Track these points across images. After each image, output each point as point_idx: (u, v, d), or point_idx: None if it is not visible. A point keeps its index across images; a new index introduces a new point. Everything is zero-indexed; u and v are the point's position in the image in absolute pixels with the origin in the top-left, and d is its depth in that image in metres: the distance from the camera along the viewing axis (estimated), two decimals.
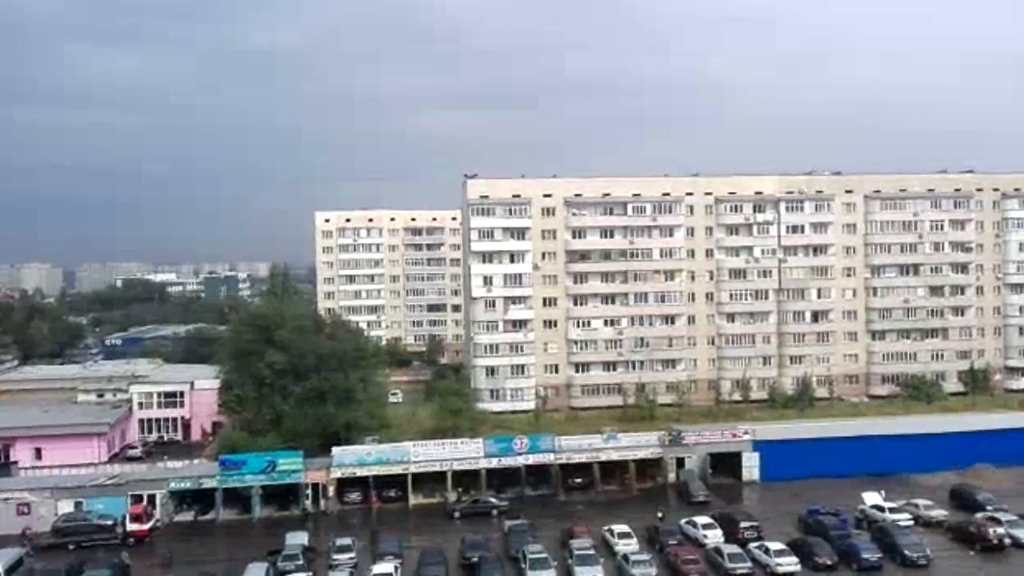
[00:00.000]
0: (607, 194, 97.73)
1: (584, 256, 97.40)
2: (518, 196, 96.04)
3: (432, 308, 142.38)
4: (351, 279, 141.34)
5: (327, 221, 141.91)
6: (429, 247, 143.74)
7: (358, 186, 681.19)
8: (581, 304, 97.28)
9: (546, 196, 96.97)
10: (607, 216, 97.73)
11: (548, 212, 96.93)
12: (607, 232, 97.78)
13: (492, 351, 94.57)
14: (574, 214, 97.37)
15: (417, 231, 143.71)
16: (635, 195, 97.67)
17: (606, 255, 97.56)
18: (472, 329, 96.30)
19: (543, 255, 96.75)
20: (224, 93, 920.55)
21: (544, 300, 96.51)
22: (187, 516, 61.17)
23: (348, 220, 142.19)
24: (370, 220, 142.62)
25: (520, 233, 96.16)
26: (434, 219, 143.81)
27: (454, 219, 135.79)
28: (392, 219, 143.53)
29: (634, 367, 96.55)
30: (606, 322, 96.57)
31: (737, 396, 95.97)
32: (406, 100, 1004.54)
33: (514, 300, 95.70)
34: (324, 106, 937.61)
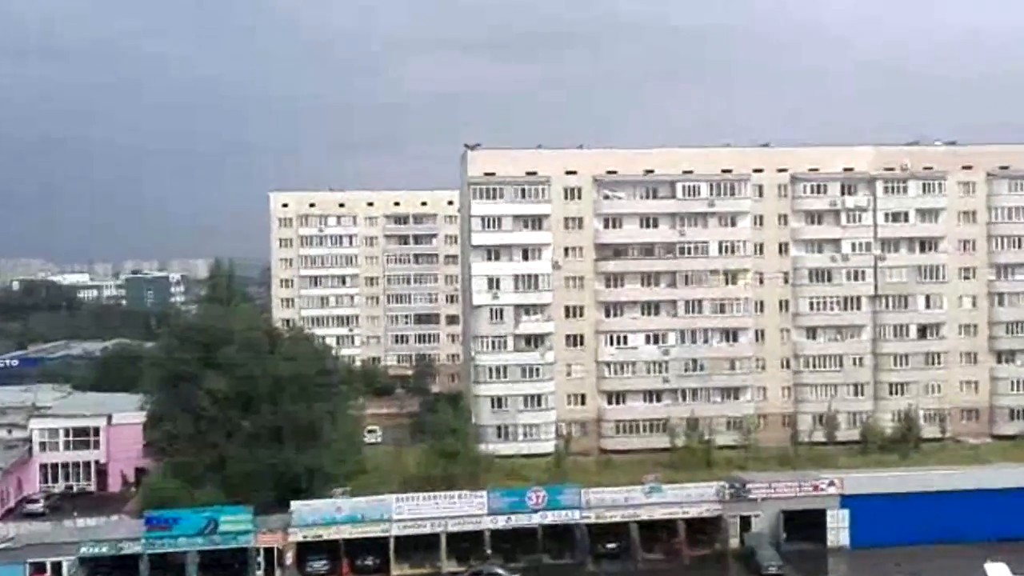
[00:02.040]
0: (650, 171, 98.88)
1: (619, 252, 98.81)
2: (533, 173, 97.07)
3: (421, 319, 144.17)
4: (316, 281, 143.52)
5: (285, 206, 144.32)
6: (417, 240, 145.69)
7: (326, 160, 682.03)
8: (615, 315, 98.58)
9: (570, 173, 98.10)
10: (649, 200, 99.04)
11: (572, 194, 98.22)
12: (649, 220, 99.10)
13: (499, 375, 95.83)
14: (607, 197, 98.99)
15: (402, 219, 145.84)
16: (686, 172, 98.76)
17: (648, 251, 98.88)
18: (473, 347, 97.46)
19: (566, 251, 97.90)
20: (147, 34, 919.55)
21: (567, 310, 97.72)
22: None
23: (312, 205, 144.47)
24: (341, 205, 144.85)
25: (536, 222, 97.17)
26: (424, 203, 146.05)
27: (450, 203, 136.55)
28: (370, 203, 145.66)
29: (685, 397, 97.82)
30: (648, 338, 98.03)
31: (820, 436, 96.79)
32: (390, 44, 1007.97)
33: (528, 309, 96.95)
34: (282, 53, 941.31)
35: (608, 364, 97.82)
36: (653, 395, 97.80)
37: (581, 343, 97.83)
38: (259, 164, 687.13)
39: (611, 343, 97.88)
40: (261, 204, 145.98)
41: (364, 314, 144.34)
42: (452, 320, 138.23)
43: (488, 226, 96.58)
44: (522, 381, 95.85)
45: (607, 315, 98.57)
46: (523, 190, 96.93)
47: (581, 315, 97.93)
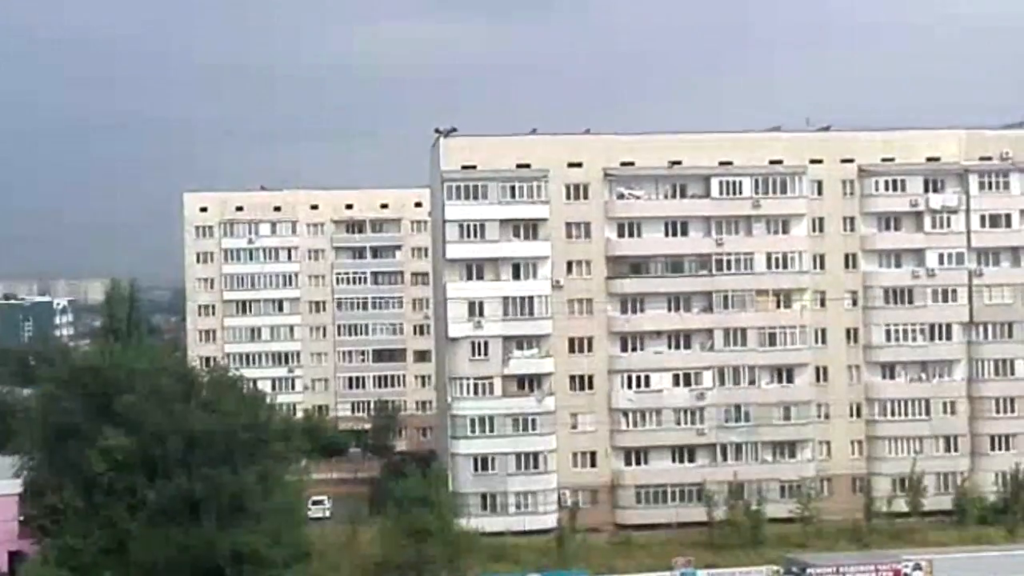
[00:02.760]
0: (676, 162, 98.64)
1: (638, 267, 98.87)
2: (526, 166, 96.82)
3: (381, 357, 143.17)
4: (244, 307, 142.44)
5: (203, 210, 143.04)
6: (376, 253, 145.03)
7: (257, 150, 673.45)
8: (634, 348, 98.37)
9: (574, 166, 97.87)
10: (677, 199, 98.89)
11: (577, 192, 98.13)
12: (677, 226, 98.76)
13: (484, 429, 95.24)
14: (621, 196, 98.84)
15: (356, 226, 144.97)
16: (724, 163, 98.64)
17: (675, 266, 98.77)
18: (449, 392, 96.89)
19: (569, 266, 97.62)
20: None
21: (571, 343, 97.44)
22: None
23: (239, 208, 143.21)
24: (277, 208, 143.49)
25: (530, 229, 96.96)
26: (384, 205, 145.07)
27: (418, 205, 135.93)
28: (314, 206, 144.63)
29: (725, 455, 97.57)
30: (677, 379, 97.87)
31: (901, 504, 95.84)
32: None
33: (520, 343, 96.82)
34: (199, 12, 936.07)
35: (625, 413, 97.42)
36: (684, 452, 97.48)
37: (590, 386, 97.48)
38: (171, 154, 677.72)
39: (629, 385, 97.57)
40: (172, 207, 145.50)
41: (308, 350, 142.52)
42: (421, 357, 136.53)
43: (468, 235, 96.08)
44: (514, 435, 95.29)
45: (623, 349, 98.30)
46: (513, 188, 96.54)
47: (589, 349, 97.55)
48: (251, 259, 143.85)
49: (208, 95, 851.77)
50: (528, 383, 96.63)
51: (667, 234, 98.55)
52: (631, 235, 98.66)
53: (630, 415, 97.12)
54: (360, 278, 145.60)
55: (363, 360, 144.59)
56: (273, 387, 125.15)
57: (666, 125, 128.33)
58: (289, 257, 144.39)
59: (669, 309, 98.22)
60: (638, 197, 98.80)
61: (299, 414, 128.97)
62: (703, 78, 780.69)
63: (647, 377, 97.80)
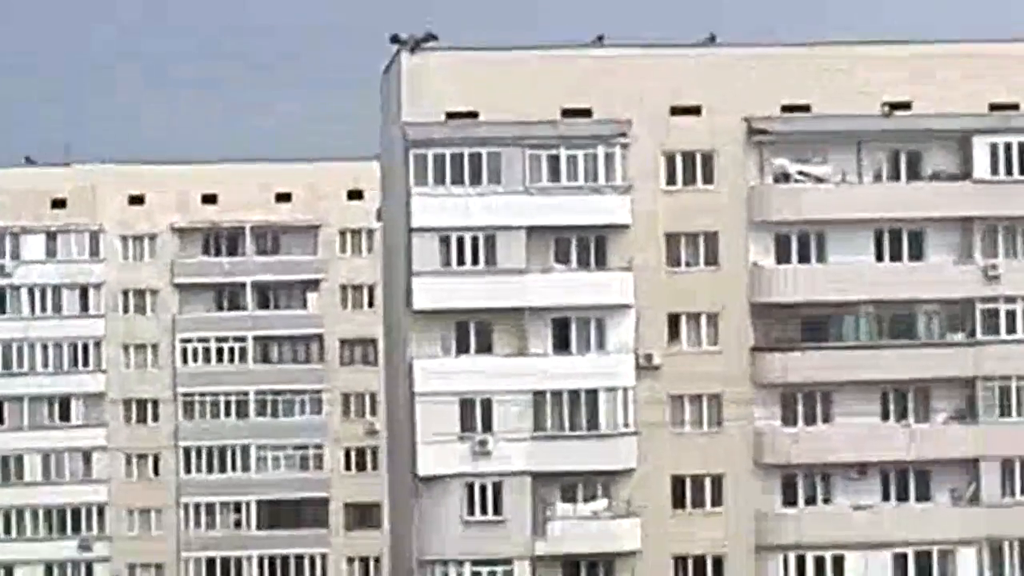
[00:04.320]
0: (898, 104, 69.16)
1: (817, 326, 69.58)
2: (582, 112, 66.89)
3: (279, 516, 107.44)
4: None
5: None
6: (267, 296, 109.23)
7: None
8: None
9: (681, 112, 67.71)
10: (899, 183, 69.79)
11: (690, 166, 67.79)
12: (900, 238, 70.63)
13: None
14: (784, 177, 68.11)
15: (221, 239, 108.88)
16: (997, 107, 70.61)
17: (899, 321, 70.67)
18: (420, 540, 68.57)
19: (674, 323, 67.58)
20: None
21: (674, 482, 68.00)
22: None
23: None
24: (57, 204, 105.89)
25: (599, 247, 67.08)
26: (283, 196, 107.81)
27: (354, 196, 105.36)
28: (135, 198, 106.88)
29: None
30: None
31: None
32: None
33: (575, 485, 67.96)
34: None
35: None
36: None
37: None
38: None
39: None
40: None
41: (121, 502, 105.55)
42: (361, 517, 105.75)
43: (458, 259, 66.27)
44: None
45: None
46: (556, 159, 65.71)
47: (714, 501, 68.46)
48: (3, 309, 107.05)
49: None
50: (591, 574, 67.39)
51: (878, 255, 68.87)
52: (804, 257, 68.43)
53: None
54: (234, 351, 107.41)
55: (238, 524, 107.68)
56: None
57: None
58: (84, 306, 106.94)
59: (885, 416, 68.66)
60: (821, 179, 67.91)
61: None
62: None
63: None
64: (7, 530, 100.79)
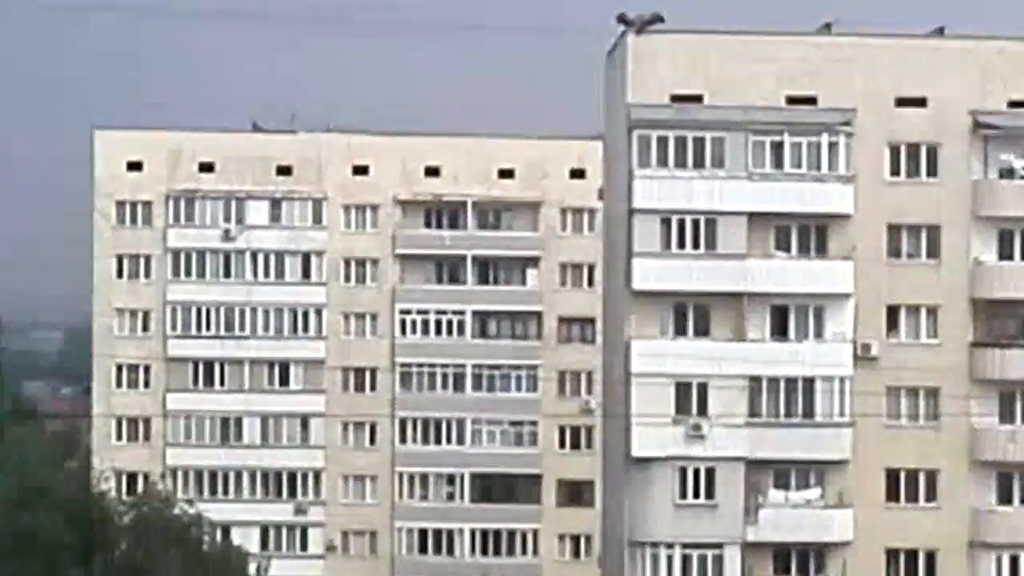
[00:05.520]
0: None
1: None
2: (807, 100, 67.72)
3: (490, 490, 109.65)
4: (209, 373, 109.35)
5: (135, 167, 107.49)
6: (487, 272, 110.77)
7: (243, 58, 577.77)
8: None
9: (912, 103, 68.17)
10: None
11: (915, 157, 69.18)
12: None
13: None
14: (1010, 172, 69.97)
15: (444, 213, 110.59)
16: None
17: None
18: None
19: (893, 314, 67.85)
20: None
21: (889, 476, 68.43)
22: None
23: (207, 167, 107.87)
24: (283, 171, 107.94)
25: (820, 235, 68.31)
26: (506, 173, 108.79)
27: (576, 175, 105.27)
28: (360, 168, 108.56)
29: None
30: None
31: None
32: None
33: (794, 472, 68.73)
34: None
35: None
36: None
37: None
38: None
39: None
40: (73, 159, 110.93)
41: (338, 469, 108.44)
42: (573, 493, 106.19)
43: (679, 241, 66.90)
44: None
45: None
46: (780, 145, 66.91)
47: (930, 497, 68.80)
48: (227, 273, 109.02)
49: None
50: (802, 563, 67.95)
51: None
52: None
53: None
54: (452, 323, 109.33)
55: (451, 496, 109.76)
56: (264, 544, 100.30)
57: None
58: (306, 272, 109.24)
59: None
60: None
61: None
62: None
63: None
64: (224, 491, 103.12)
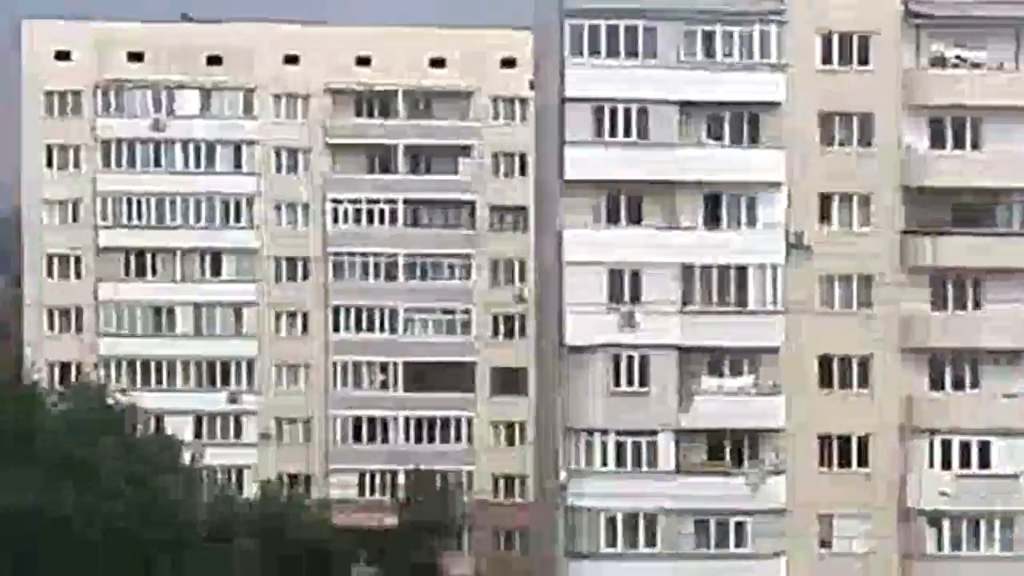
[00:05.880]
0: None
1: (972, 214, 71.08)
2: None
3: (423, 378, 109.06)
4: (140, 263, 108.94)
5: (63, 56, 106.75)
6: (418, 160, 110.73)
7: None
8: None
9: None
10: None
11: (847, 46, 69.55)
12: None
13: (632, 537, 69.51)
14: (941, 61, 69.86)
15: (374, 103, 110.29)
16: None
17: None
18: (564, 460, 69.35)
19: (825, 204, 68.41)
20: None
21: (822, 362, 69.40)
22: None
23: (137, 56, 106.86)
24: (214, 60, 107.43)
25: (752, 124, 67.98)
26: (437, 62, 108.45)
27: (508, 64, 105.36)
28: (291, 58, 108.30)
29: None
30: None
31: None
32: None
33: (723, 359, 69.02)
34: None
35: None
36: None
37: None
38: None
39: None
40: (5, 43, 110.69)
41: (270, 357, 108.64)
42: (508, 382, 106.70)
43: (609, 129, 67.09)
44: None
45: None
46: (711, 35, 67.10)
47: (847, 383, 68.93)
48: (158, 162, 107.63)
49: None
50: (735, 449, 68.88)
51: None
52: (958, 143, 68.89)
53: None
54: (384, 213, 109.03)
55: (384, 385, 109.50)
56: (198, 433, 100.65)
57: None
58: (237, 162, 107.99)
59: None
60: (978, 65, 68.88)
61: (248, 494, 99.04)
62: None
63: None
64: (158, 380, 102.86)
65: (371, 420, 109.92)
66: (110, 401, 75.59)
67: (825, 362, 66.71)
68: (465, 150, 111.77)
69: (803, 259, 65.96)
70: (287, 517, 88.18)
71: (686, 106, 65.31)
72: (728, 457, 66.26)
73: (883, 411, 67.39)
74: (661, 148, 65.32)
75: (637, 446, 66.06)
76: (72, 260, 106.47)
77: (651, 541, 65.74)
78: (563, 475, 67.03)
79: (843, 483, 67.08)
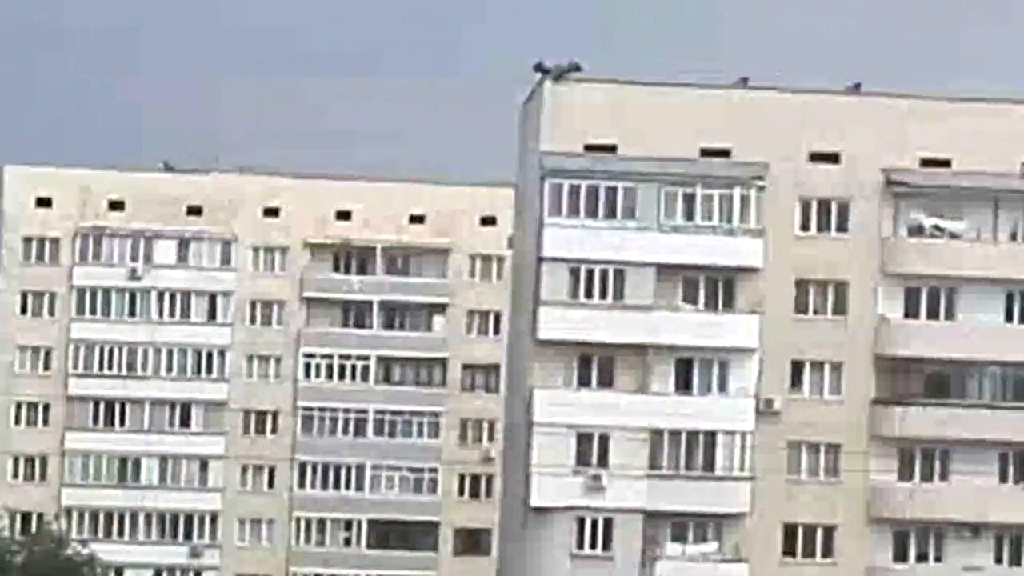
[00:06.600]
0: None
1: (942, 383, 69.59)
2: (720, 152, 67.09)
3: (387, 538, 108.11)
4: (109, 414, 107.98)
5: (44, 203, 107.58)
6: (393, 318, 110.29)
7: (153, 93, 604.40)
8: None
9: (824, 158, 68.42)
10: None
11: (826, 214, 69.52)
12: None
13: None
14: (919, 229, 69.43)
15: (352, 258, 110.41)
16: None
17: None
18: None
19: (797, 369, 67.81)
20: None
21: (787, 530, 68.52)
22: None
23: (117, 205, 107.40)
24: (193, 211, 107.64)
25: (726, 290, 68.28)
26: (416, 218, 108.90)
27: (487, 222, 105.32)
28: (270, 210, 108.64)
29: None
30: None
31: None
32: None
33: (687, 524, 67.31)
34: None
35: None
36: None
37: None
38: None
39: None
40: None
41: (234, 512, 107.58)
42: (473, 543, 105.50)
43: (583, 291, 65.92)
44: None
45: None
46: (692, 197, 66.46)
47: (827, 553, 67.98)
48: (132, 312, 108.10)
49: None
50: None
51: (1007, 315, 68.82)
52: (932, 313, 68.58)
53: None
54: (356, 369, 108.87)
55: (348, 542, 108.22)
56: None
57: None
58: (212, 313, 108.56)
59: (1003, 478, 68.70)
60: (956, 235, 68.23)
61: None
62: None
63: None
64: (120, 532, 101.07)
65: None
66: (70, 552, 75.02)
67: (790, 529, 65.00)
68: (440, 307, 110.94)
69: (772, 425, 64.72)
70: None
71: (663, 268, 64.28)
72: None
73: None
74: (636, 311, 64.40)
75: None
76: (40, 407, 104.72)
77: None
78: None
79: None
